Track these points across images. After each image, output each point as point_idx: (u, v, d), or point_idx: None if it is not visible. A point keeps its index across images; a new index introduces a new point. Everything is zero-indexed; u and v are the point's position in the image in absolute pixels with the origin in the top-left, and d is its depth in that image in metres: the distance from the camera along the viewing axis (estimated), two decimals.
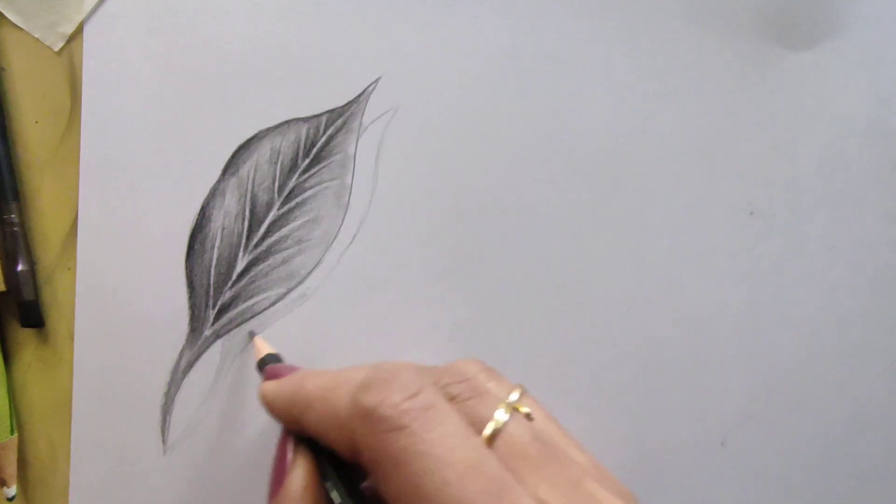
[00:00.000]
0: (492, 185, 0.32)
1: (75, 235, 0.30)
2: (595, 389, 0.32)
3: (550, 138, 0.32)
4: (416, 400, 0.19)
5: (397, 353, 0.31)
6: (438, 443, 0.18)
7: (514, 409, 0.20)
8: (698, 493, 0.33)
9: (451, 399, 0.20)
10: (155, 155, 0.30)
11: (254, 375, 0.30)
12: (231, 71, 0.30)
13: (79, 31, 0.30)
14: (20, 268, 0.29)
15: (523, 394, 0.22)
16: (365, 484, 0.22)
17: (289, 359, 0.29)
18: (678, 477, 0.33)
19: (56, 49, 0.30)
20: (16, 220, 0.29)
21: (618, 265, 0.32)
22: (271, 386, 0.24)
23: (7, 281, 0.29)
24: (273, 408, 0.23)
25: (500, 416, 0.20)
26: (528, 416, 0.21)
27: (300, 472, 0.22)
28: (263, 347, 0.29)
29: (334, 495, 0.21)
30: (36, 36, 0.30)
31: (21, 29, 0.30)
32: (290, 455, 0.23)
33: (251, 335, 0.30)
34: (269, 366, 0.27)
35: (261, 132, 0.30)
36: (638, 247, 0.32)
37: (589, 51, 0.32)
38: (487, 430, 0.20)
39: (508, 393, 0.22)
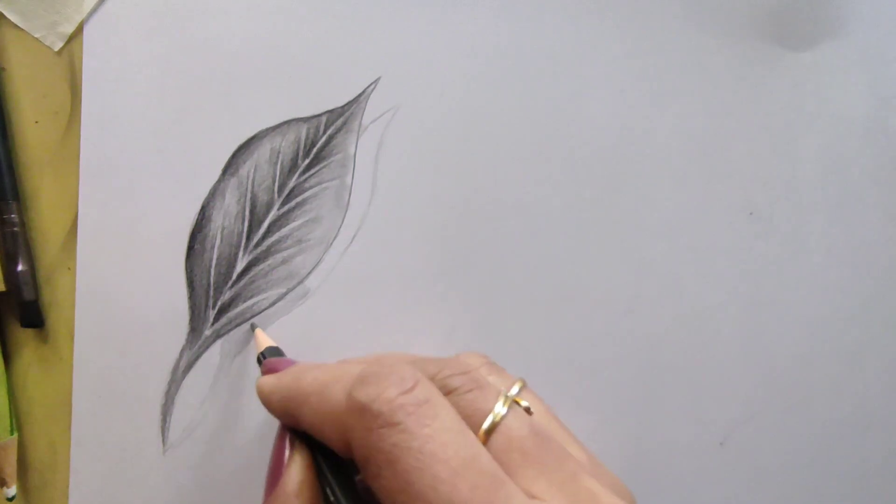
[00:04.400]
0: (492, 185, 0.32)
1: (75, 235, 0.30)
2: (595, 389, 0.32)
3: (550, 138, 0.32)
4: (411, 395, 0.19)
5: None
6: (431, 439, 0.18)
7: (513, 403, 0.20)
8: (698, 493, 0.33)
9: (451, 391, 0.20)
10: (155, 155, 0.30)
11: (254, 376, 0.30)
12: (231, 71, 0.30)
13: (79, 31, 0.30)
14: (20, 268, 0.29)
15: (524, 388, 0.22)
16: (359, 478, 0.22)
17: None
18: (678, 477, 0.33)
19: (56, 49, 0.30)
20: (16, 220, 0.29)
21: (618, 265, 0.32)
22: (268, 380, 0.24)
23: (7, 281, 0.29)
24: (269, 402, 0.23)
25: (499, 409, 0.20)
26: (527, 410, 0.21)
27: (297, 468, 0.22)
28: (264, 341, 0.29)
29: (329, 492, 0.21)
30: (36, 36, 0.30)
31: (21, 29, 0.30)
32: (287, 451, 0.22)
33: (253, 327, 0.30)
34: (267, 359, 0.27)
35: (261, 132, 0.30)
36: (638, 247, 0.32)
37: (589, 51, 0.32)
38: (486, 423, 0.20)
39: (509, 386, 0.22)
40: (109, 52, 0.30)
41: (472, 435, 0.19)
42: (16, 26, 0.30)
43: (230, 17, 0.30)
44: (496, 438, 0.19)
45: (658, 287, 0.32)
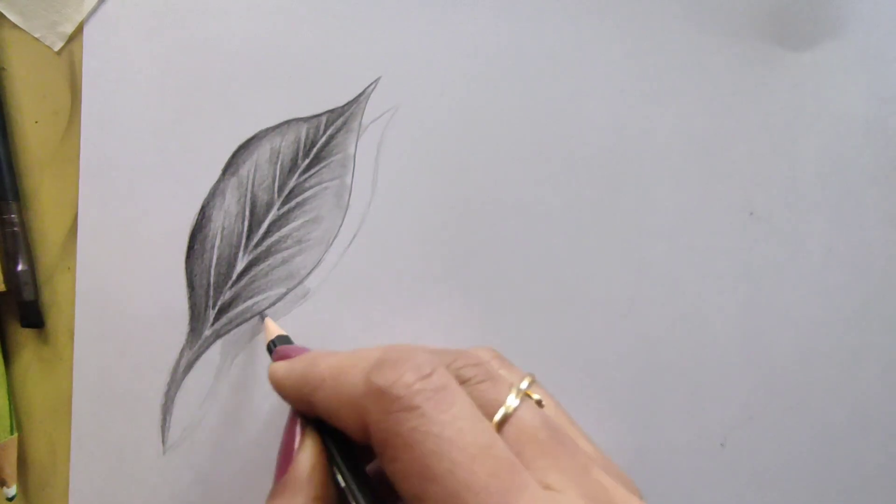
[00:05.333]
0: (492, 185, 0.32)
1: (75, 235, 0.30)
2: (595, 390, 0.32)
3: (550, 138, 0.32)
4: (429, 381, 0.19)
5: None
6: (449, 424, 0.18)
7: (525, 395, 0.20)
8: (698, 494, 0.33)
9: (464, 381, 0.21)
10: (155, 155, 0.30)
11: (254, 375, 0.30)
12: (231, 71, 0.30)
13: (79, 31, 0.30)
14: (20, 268, 0.29)
15: (533, 382, 0.22)
16: (370, 466, 0.22)
17: None
18: (678, 478, 0.33)
19: (56, 49, 0.30)
20: (16, 220, 0.29)
21: (617, 266, 0.32)
22: (282, 366, 0.24)
23: (7, 281, 0.29)
24: (283, 387, 0.23)
25: (512, 401, 0.20)
26: (538, 403, 0.21)
27: (308, 453, 0.22)
28: (274, 329, 0.29)
29: (340, 477, 0.21)
30: (36, 36, 0.30)
31: (21, 29, 0.30)
32: (297, 436, 0.23)
33: (262, 317, 0.30)
34: (279, 346, 0.27)
35: (261, 132, 0.30)
36: (637, 247, 0.32)
37: (589, 51, 0.32)
38: (498, 415, 0.20)
39: (520, 380, 0.22)
40: (109, 52, 0.30)
41: (487, 423, 0.19)
42: (16, 26, 0.30)
43: (230, 17, 0.30)
44: (509, 430, 0.20)
45: (658, 287, 0.32)
